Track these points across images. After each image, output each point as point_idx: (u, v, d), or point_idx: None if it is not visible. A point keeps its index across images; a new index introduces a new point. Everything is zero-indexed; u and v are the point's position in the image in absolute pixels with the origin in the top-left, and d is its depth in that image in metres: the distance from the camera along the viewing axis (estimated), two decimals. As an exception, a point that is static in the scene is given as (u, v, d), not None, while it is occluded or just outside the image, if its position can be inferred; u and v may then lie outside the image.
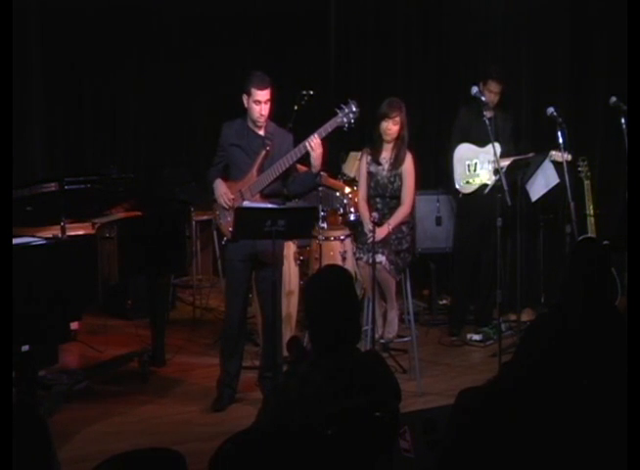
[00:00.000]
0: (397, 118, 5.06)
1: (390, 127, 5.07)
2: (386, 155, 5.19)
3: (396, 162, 5.14)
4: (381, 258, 4.93)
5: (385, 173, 5.18)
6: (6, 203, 2.80)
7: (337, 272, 2.85)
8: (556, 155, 5.42)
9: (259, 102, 4.47)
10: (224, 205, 4.57)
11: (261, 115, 4.50)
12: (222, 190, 4.59)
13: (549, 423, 2.23)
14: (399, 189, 5.16)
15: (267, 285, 4.47)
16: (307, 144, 4.39)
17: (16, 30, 5.69)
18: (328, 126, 4.44)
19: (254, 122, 4.56)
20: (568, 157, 5.36)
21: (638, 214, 3.03)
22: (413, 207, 5.50)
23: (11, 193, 3.76)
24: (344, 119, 4.42)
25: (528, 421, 2.22)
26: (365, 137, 5.30)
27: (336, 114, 4.45)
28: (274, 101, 4.54)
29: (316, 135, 4.39)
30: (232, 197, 4.55)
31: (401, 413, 2.62)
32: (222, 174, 4.68)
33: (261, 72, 4.53)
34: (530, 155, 5.57)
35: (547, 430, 2.22)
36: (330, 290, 2.69)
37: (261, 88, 4.46)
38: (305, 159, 4.53)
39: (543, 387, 2.28)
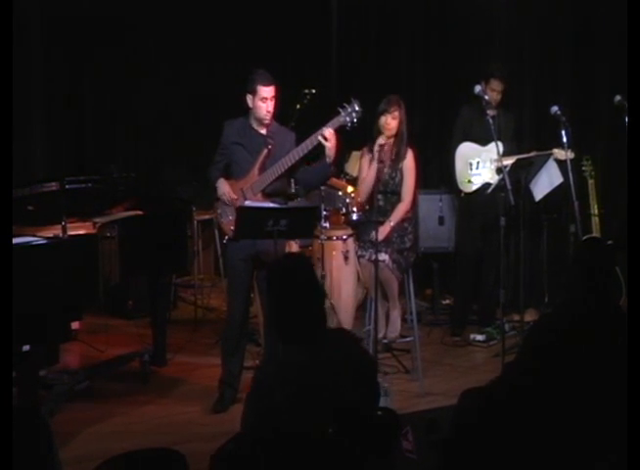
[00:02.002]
0: (396, 113, 5.07)
1: (389, 122, 5.08)
2: (387, 151, 5.19)
3: (397, 158, 5.16)
4: (384, 256, 4.93)
5: (385, 170, 5.19)
6: (6, 203, 2.80)
7: (294, 259, 2.85)
8: (559, 153, 5.42)
9: (266, 99, 4.47)
10: (227, 202, 4.57)
11: (268, 112, 4.50)
12: (225, 189, 4.59)
13: (552, 424, 2.23)
14: (400, 184, 5.17)
15: (269, 285, 4.46)
16: (320, 136, 4.37)
17: (16, 29, 5.69)
18: (330, 125, 4.43)
19: (261, 121, 4.55)
20: (571, 155, 5.36)
21: (638, 214, 3.03)
22: (415, 205, 5.50)
23: (11, 193, 3.76)
24: (347, 119, 4.42)
25: (532, 422, 2.22)
26: (367, 136, 5.30)
27: (338, 113, 4.45)
28: (276, 99, 4.54)
29: (329, 126, 4.37)
30: (235, 197, 4.55)
31: (404, 414, 2.64)
32: (223, 173, 4.69)
33: (264, 70, 4.54)
34: (533, 154, 5.57)
35: (550, 430, 2.22)
36: (289, 275, 2.69)
37: (267, 85, 4.46)
38: (308, 158, 4.53)
39: (546, 387, 2.28)
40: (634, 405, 2.33)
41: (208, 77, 7.59)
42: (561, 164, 5.49)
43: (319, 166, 4.57)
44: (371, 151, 5.20)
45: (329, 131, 4.38)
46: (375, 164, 5.07)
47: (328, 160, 4.46)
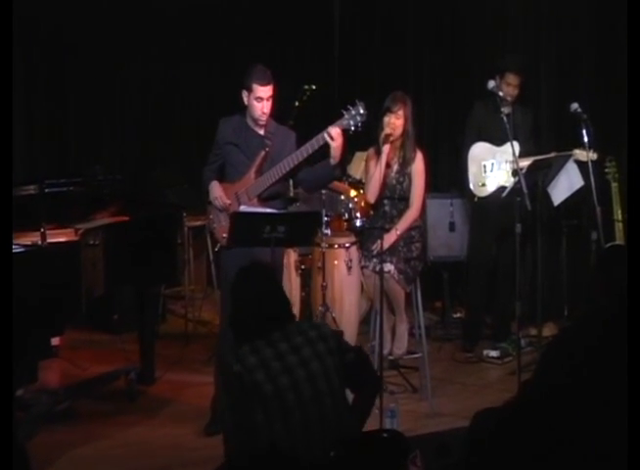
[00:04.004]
0: (401, 112, 5.05)
1: (394, 122, 5.06)
2: (393, 154, 5.19)
3: (405, 162, 5.14)
4: (389, 267, 4.93)
5: (393, 174, 5.17)
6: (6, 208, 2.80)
7: (251, 266, 3.25)
8: (580, 154, 5.43)
9: (261, 99, 4.46)
10: (219, 207, 4.57)
11: (263, 112, 4.49)
12: (217, 193, 4.59)
13: (572, 448, 2.22)
14: (408, 190, 5.16)
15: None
16: (326, 134, 4.33)
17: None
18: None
19: (255, 121, 4.55)
20: (593, 156, 5.36)
21: (638, 214, 3.03)
22: (424, 211, 5.50)
23: (11, 199, 3.72)
24: (351, 122, 4.36)
25: (549, 445, 2.21)
26: (372, 136, 5.31)
27: (341, 115, 4.42)
28: (274, 99, 4.53)
29: (335, 126, 4.34)
30: (228, 202, 4.55)
31: (412, 436, 2.63)
32: (217, 175, 4.69)
33: (262, 66, 4.53)
34: (552, 155, 5.57)
35: (570, 455, 2.21)
36: (242, 281, 3.12)
37: (264, 84, 4.45)
38: (311, 160, 4.52)
39: (566, 408, 2.27)
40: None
41: (202, 74, 7.60)
42: (582, 165, 5.49)
43: (322, 168, 4.52)
44: (378, 153, 5.18)
45: (335, 130, 4.32)
46: (382, 161, 5.06)
47: (332, 161, 4.42)
